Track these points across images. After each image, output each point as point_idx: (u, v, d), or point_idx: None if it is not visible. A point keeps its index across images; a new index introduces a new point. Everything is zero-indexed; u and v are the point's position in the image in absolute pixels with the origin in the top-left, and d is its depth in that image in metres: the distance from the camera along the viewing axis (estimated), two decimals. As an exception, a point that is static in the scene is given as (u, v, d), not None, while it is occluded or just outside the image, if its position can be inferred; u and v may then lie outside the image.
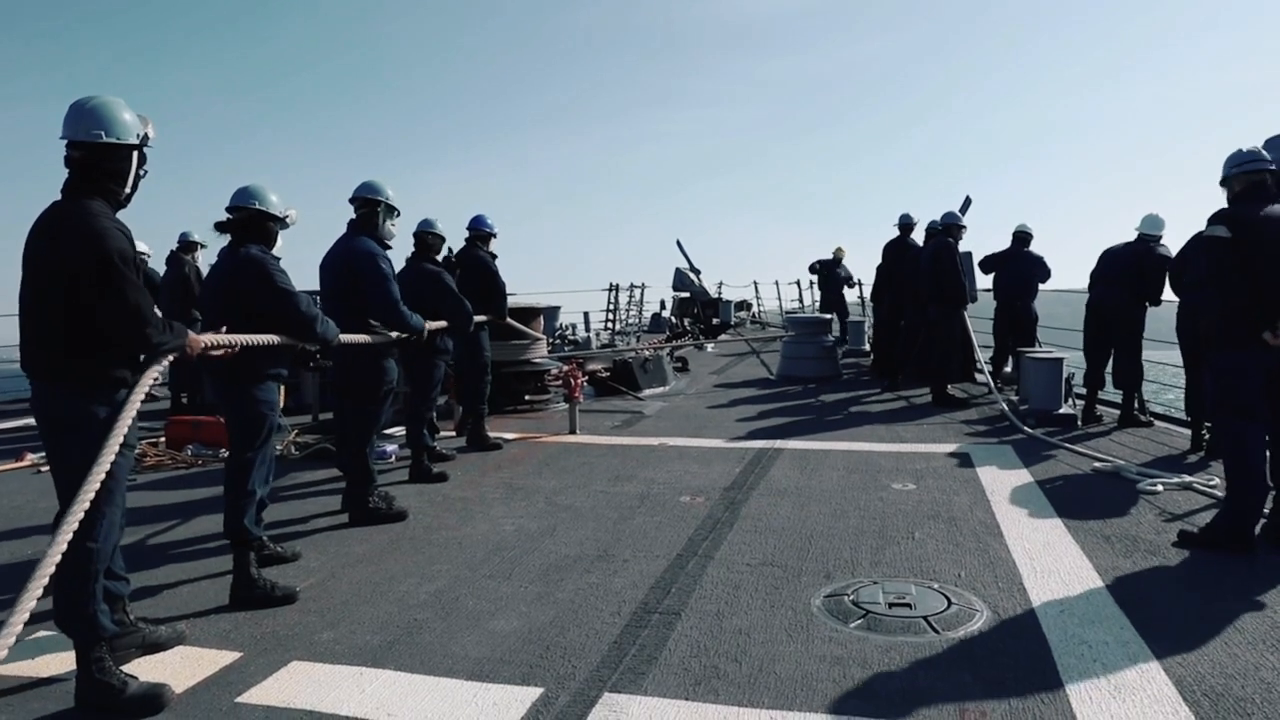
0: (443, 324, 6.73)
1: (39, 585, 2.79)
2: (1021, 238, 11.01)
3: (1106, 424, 8.78)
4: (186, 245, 10.38)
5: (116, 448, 3.10)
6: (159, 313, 3.35)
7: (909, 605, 4.10)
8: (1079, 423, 8.75)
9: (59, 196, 3.30)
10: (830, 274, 17.61)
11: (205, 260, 10.15)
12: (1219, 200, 5.19)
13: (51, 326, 3.18)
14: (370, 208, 5.86)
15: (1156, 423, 8.98)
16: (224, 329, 4.04)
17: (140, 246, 11.60)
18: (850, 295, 18.63)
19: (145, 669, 3.50)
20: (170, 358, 3.45)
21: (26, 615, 2.72)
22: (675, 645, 3.71)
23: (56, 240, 3.18)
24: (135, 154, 3.37)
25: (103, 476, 3.04)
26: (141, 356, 3.37)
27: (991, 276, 11.25)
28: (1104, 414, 9.04)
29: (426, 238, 7.30)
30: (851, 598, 4.20)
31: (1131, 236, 8.80)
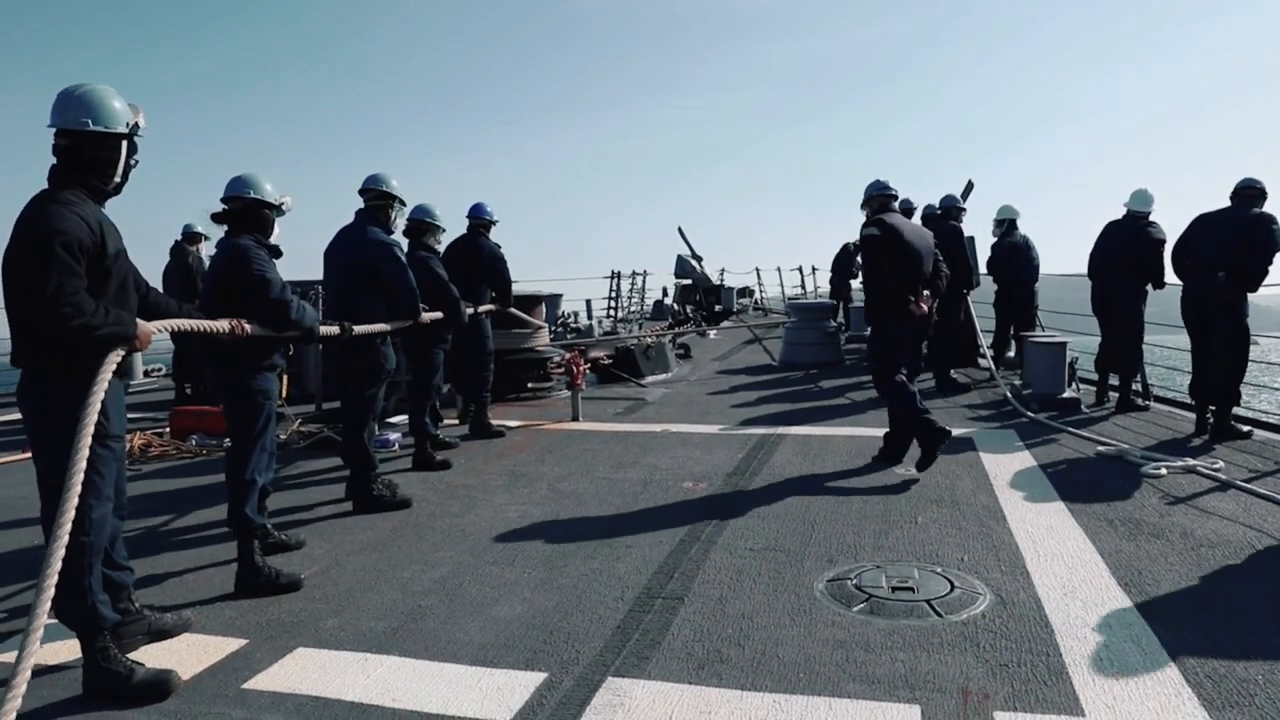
0: (438, 315, 6.72)
1: (41, 617, 2.84)
2: (1009, 224, 10.96)
3: (1110, 407, 8.77)
4: (190, 236, 10.43)
5: (88, 440, 3.03)
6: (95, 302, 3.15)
7: (912, 589, 4.10)
8: (1082, 407, 8.73)
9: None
10: (844, 260, 17.57)
11: (209, 252, 10.15)
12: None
13: (17, 315, 3.16)
14: (385, 200, 5.99)
15: (1161, 406, 8.97)
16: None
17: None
18: (854, 282, 18.58)
19: (152, 656, 3.52)
20: (119, 350, 3.22)
21: (32, 662, 2.78)
22: (678, 630, 3.72)
23: (16, 226, 3.15)
24: (125, 143, 3.34)
25: (81, 471, 2.99)
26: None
27: (987, 260, 11.22)
28: (1113, 396, 9.02)
29: (421, 225, 7.24)
30: (854, 582, 4.21)
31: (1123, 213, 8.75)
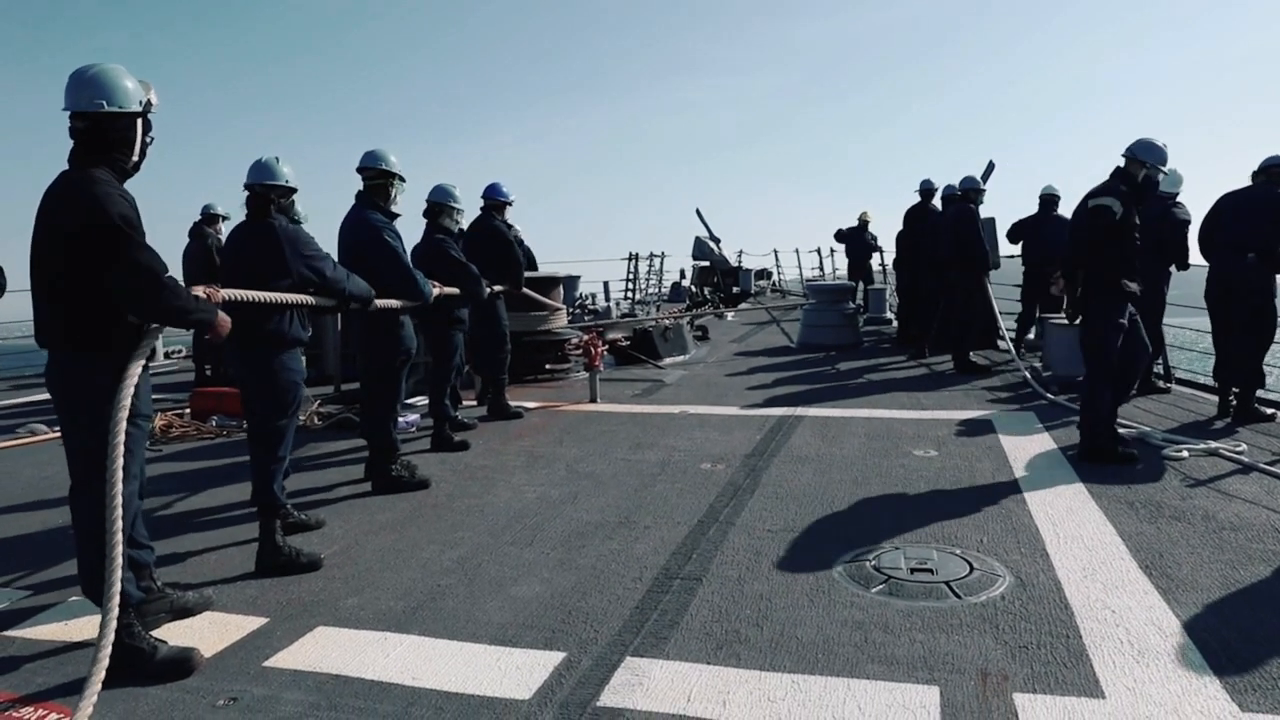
0: (454, 290, 6.68)
1: (114, 599, 3.00)
2: (1049, 201, 10.82)
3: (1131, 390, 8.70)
4: (210, 218, 10.47)
5: (124, 419, 3.09)
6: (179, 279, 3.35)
7: (931, 570, 4.09)
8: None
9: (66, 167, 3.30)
10: (857, 240, 17.49)
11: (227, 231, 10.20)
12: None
13: (56, 296, 3.19)
14: (384, 179, 5.82)
15: (1183, 389, 8.88)
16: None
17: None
18: (873, 262, 18.49)
19: (174, 634, 3.55)
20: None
21: (104, 669, 2.92)
22: (697, 610, 3.73)
23: (58, 209, 3.17)
24: (139, 121, 3.34)
25: (120, 451, 3.06)
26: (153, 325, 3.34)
27: (1020, 243, 11.11)
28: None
29: (437, 207, 7.22)
30: (873, 563, 4.20)
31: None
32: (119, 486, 3.04)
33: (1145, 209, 8.49)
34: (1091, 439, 6.07)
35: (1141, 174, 6.07)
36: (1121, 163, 6.15)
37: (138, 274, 3.15)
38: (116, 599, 3.00)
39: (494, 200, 8.30)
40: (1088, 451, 6.06)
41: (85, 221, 3.11)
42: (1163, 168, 6.12)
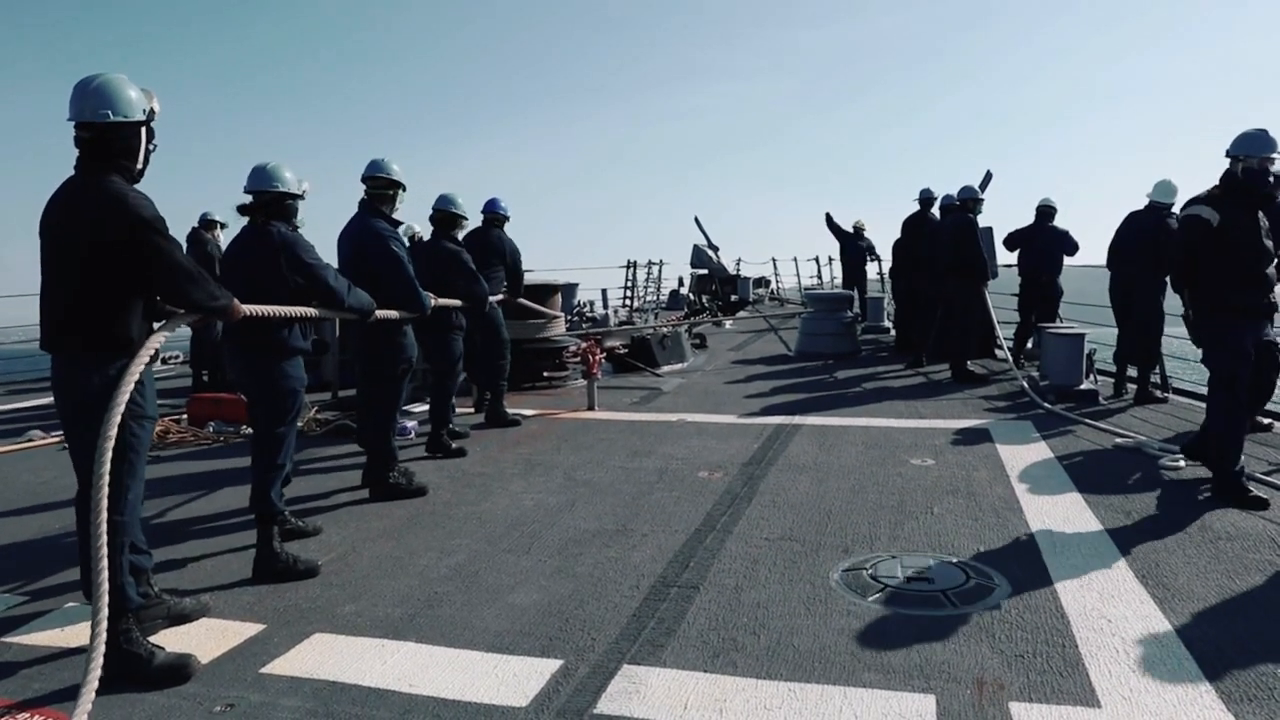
0: (456, 302, 6.74)
1: (103, 609, 3.00)
2: (1045, 212, 10.85)
3: (1128, 399, 8.72)
4: (208, 224, 10.49)
5: (121, 409, 3.11)
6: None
7: (927, 579, 4.09)
8: (1100, 399, 8.67)
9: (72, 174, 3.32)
10: (851, 247, 17.55)
11: (226, 239, 10.22)
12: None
13: (71, 299, 3.21)
14: (393, 188, 5.90)
15: (1180, 398, 8.90)
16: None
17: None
18: (870, 271, 18.51)
19: (171, 640, 3.54)
20: (163, 335, 3.47)
21: (99, 668, 2.94)
22: (694, 618, 3.73)
23: (79, 212, 3.20)
24: (143, 130, 3.38)
25: (112, 443, 3.07)
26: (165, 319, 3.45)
27: (1016, 253, 11.13)
28: (1131, 388, 8.96)
29: (446, 216, 7.31)
30: (870, 572, 4.20)
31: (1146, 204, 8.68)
32: (106, 480, 3.04)
33: (1139, 218, 8.54)
34: (1220, 474, 5.34)
35: (1240, 169, 5.34)
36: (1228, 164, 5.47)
37: (181, 266, 3.32)
38: (106, 601, 2.99)
39: (493, 214, 8.60)
40: (1216, 485, 5.36)
41: (116, 226, 3.16)
42: (1272, 154, 5.30)
